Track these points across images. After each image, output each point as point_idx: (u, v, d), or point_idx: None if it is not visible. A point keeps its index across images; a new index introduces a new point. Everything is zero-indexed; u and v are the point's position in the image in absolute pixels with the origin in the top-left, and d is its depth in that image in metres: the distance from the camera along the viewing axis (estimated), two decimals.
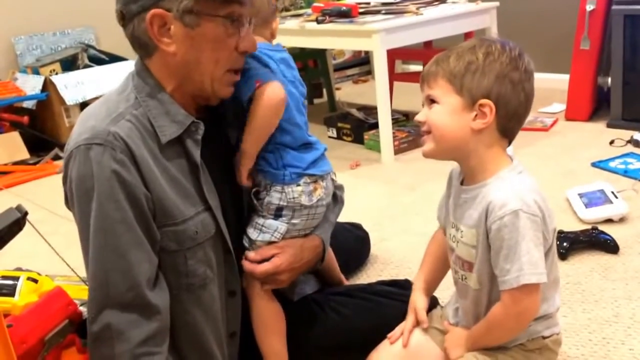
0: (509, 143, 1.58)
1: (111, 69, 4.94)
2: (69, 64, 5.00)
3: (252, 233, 1.84)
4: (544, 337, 1.62)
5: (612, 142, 3.84)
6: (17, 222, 1.38)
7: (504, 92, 1.50)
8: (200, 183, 1.67)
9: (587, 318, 2.14)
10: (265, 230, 1.83)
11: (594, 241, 2.57)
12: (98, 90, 4.75)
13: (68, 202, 1.64)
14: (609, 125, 4.15)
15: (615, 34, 4.04)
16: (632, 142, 3.79)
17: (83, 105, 4.80)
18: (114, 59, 5.08)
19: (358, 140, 4.45)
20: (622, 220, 2.79)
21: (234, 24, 1.61)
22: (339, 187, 2.13)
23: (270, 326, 1.88)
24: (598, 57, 4.25)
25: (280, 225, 1.83)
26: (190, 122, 1.65)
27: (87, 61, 4.99)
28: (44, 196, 3.90)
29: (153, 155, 1.60)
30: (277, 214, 1.83)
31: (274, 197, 1.81)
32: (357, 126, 4.53)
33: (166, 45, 1.58)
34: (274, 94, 1.74)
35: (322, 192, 1.86)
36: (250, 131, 1.76)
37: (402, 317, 1.82)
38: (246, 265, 1.82)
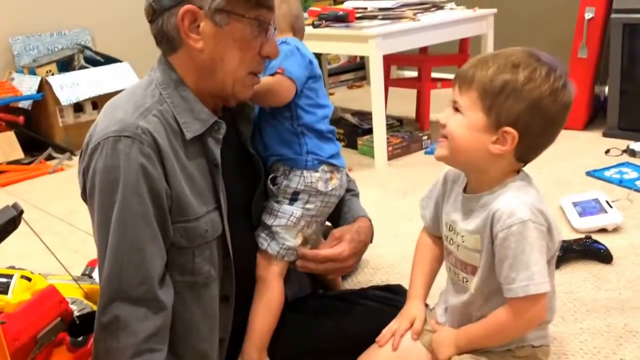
0: (524, 165, 1.57)
1: (106, 71, 4.94)
2: (65, 64, 4.99)
3: (268, 219, 1.89)
4: (533, 346, 1.62)
5: (607, 152, 3.86)
6: (12, 220, 1.38)
7: (533, 124, 1.44)
8: (215, 182, 1.69)
9: (579, 327, 2.14)
10: (280, 215, 1.88)
11: (587, 250, 2.57)
12: (93, 92, 4.75)
13: (85, 194, 1.63)
14: (605, 135, 4.16)
15: (614, 42, 4.05)
16: (628, 151, 3.80)
17: (77, 106, 4.82)
18: (109, 60, 5.08)
19: (351, 145, 4.45)
20: (616, 230, 2.79)
21: (261, 27, 1.63)
22: (353, 182, 2.23)
23: (273, 311, 1.91)
24: (595, 66, 4.26)
25: (295, 210, 1.89)
26: (214, 121, 1.66)
27: (83, 62, 4.99)
28: (37, 196, 3.90)
29: (175, 151, 1.61)
30: (293, 198, 1.90)
31: (293, 180, 1.89)
32: (351, 131, 4.53)
33: (194, 42, 1.60)
34: (283, 88, 1.84)
35: (337, 183, 1.94)
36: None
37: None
38: (308, 255, 1.91)
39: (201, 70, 1.65)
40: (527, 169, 1.58)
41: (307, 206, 1.90)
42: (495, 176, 1.53)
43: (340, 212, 2.10)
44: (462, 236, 1.58)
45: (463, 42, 4.73)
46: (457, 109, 1.50)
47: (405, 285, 1.97)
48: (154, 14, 1.62)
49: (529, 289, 1.44)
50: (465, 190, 1.61)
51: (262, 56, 1.68)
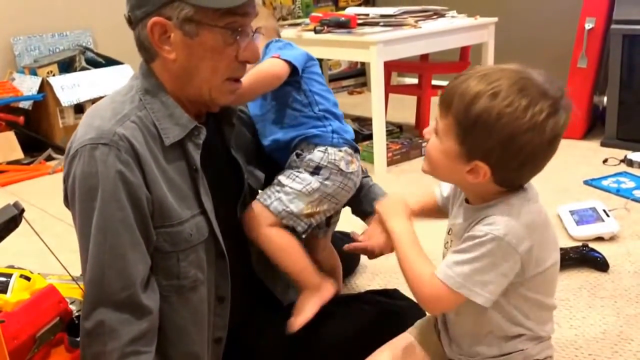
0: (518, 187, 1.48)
1: (107, 73, 4.96)
2: (66, 66, 5.01)
3: (285, 180, 1.93)
4: None
5: (605, 161, 3.87)
6: (13, 219, 1.40)
7: (507, 159, 1.36)
8: (197, 186, 1.69)
9: (574, 334, 2.15)
10: (298, 180, 1.92)
11: (584, 258, 2.58)
12: (93, 93, 4.77)
13: (67, 200, 1.64)
14: (603, 144, 4.18)
15: (613, 53, 4.07)
16: (626, 161, 3.81)
17: (77, 107, 4.83)
18: (110, 62, 5.09)
19: None
20: (612, 238, 2.80)
21: (234, 34, 1.61)
22: (367, 174, 2.26)
23: (287, 248, 1.93)
24: (595, 76, 4.27)
25: (314, 181, 1.91)
26: (194, 126, 1.67)
27: (84, 64, 4.99)
28: (36, 196, 3.90)
29: (155, 156, 1.61)
30: (315, 172, 1.93)
31: (317, 155, 1.92)
32: None
33: (167, 53, 1.60)
34: (276, 66, 1.88)
35: (356, 168, 1.99)
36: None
37: (393, 326, 1.83)
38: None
39: (178, 78, 1.65)
40: None
41: (326, 182, 1.92)
42: (482, 194, 1.47)
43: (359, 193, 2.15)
44: (453, 241, 1.57)
45: (464, 50, 4.74)
46: (436, 131, 1.45)
47: (403, 291, 1.98)
48: (131, 24, 1.64)
49: (448, 280, 1.42)
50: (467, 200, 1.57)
51: (240, 61, 1.66)
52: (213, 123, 1.79)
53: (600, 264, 2.56)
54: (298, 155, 1.95)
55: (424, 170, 1.52)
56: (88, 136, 1.56)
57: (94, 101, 4.77)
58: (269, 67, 1.90)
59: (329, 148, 1.93)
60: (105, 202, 1.53)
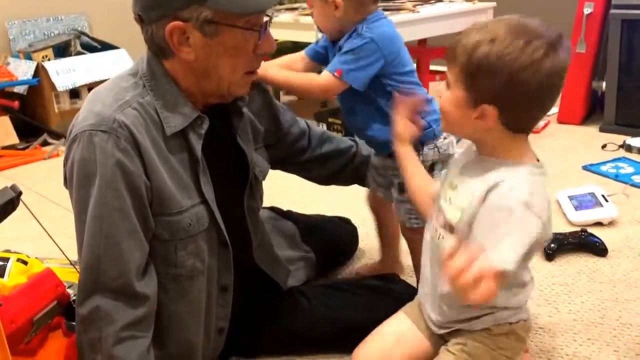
0: (528, 133, 1.54)
1: (103, 57, 4.90)
2: (62, 50, 4.96)
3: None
4: (510, 323, 1.63)
5: (604, 146, 3.86)
6: (11, 202, 1.38)
7: (513, 99, 1.41)
8: (198, 176, 1.68)
9: (573, 319, 2.15)
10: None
11: (583, 243, 2.57)
12: (89, 78, 4.72)
13: (67, 183, 1.64)
14: (602, 130, 4.16)
15: (612, 38, 4.05)
16: (625, 146, 3.81)
17: (73, 92, 4.79)
18: (106, 47, 5.05)
19: (348, 135, 4.40)
20: (611, 223, 2.80)
21: (254, 31, 1.61)
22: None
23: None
24: (593, 61, 4.26)
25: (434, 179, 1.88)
26: (196, 116, 1.65)
27: (79, 48, 4.95)
28: (32, 181, 3.88)
29: (156, 144, 1.60)
30: (431, 169, 1.95)
31: (429, 154, 1.97)
32: None
33: (186, 54, 1.59)
34: (329, 85, 1.94)
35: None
36: (290, 76, 2.01)
37: (390, 310, 1.83)
38: None
39: (195, 75, 1.64)
40: None
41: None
42: (494, 145, 1.51)
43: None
44: (458, 191, 1.56)
45: None
46: (447, 84, 1.50)
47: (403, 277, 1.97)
48: (142, 23, 1.62)
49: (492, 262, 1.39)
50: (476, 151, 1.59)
51: (258, 55, 1.67)
52: (220, 112, 1.77)
53: (599, 249, 2.55)
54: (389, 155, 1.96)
55: (443, 130, 1.67)
56: (88, 122, 1.55)
57: (90, 86, 4.74)
58: (320, 84, 1.96)
59: (436, 142, 1.96)
60: (102, 190, 1.53)
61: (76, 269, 1.79)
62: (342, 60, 1.93)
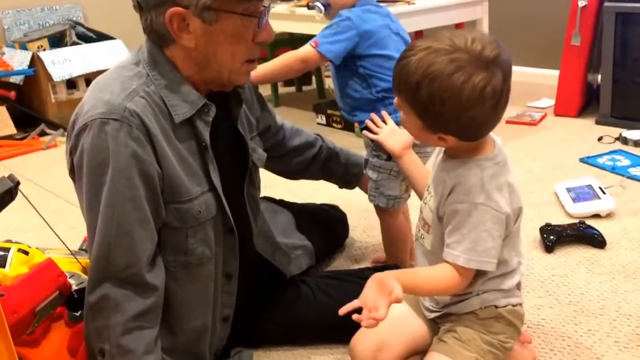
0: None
1: (99, 47, 4.90)
2: (57, 40, 4.96)
3: (372, 174, 2.22)
4: (496, 307, 1.65)
5: (600, 139, 3.85)
6: (9, 192, 1.37)
7: (463, 128, 1.46)
8: (206, 163, 1.68)
9: (573, 310, 2.15)
10: (382, 170, 2.20)
11: (582, 235, 2.58)
12: (86, 68, 4.73)
13: (73, 173, 1.63)
14: (598, 122, 4.16)
15: (607, 31, 4.04)
16: (621, 139, 3.79)
17: (69, 82, 4.79)
18: (101, 37, 5.04)
19: (348, 128, 4.42)
20: (609, 215, 2.80)
21: (252, 18, 1.61)
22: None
23: (407, 230, 2.35)
24: (589, 54, 4.25)
25: (395, 165, 2.11)
26: (203, 103, 1.65)
27: (75, 38, 4.94)
28: (31, 171, 3.88)
29: (165, 133, 1.60)
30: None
31: None
32: None
33: (186, 41, 1.59)
34: (300, 55, 2.17)
35: None
36: (269, 63, 2.21)
37: None
38: None
39: (196, 63, 1.65)
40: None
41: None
42: (456, 149, 1.56)
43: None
44: (431, 195, 1.63)
45: (458, 27, 4.70)
46: (400, 106, 1.53)
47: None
48: (141, 10, 1.62)
49: (457, 259, 1.52)
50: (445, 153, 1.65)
51: (256, 43, 1.67)
52: (220, 99, 1.77)
53: (597, 241, 2.55)
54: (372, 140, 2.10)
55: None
56: (98, 110, 1.54)
57: (86, 77, 4.74)
58: (298, 56, 2.17)
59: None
60: (115, 179, 1.52)
61: (76, 258, 1.79)
62: (320, 34, 2.15)
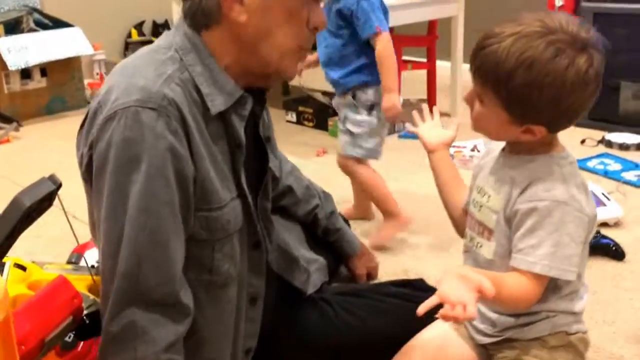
0: None
1: (57, 35, 4.66)
2: (12, 27, 4.72)
3: (353, 127, 2.62)
4: (567, 333, 1.49)
5: (583, 142, 3.84)
6: (49, 196, 1.15)
7: (558, 116, 1.38)
8: (237, 165, 1.49)
9: (613, 332, 2.03)
10: (363, 125, 2.60)
11: (597, 246, 2.46)
12: (42, 57, 4.50)
13: (89, 172, 1.40)
14: (578, 124, 4.07)
15: None
16: (605, 142, 3.79)
17: (24, 71, 4.55)
18: (59, 24, 4.81)
19: (321, 126, 4.30)
20: (617, 224, 2.71)
21: None
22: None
23: (377, 179, 2.70)
24: None
25: (373, 119, 2.60)
26: (240, 94, 1.47)
27: (32, 25, 4.72)
28: None
29: (199, 127, 1.40)
30: (370, 108, 2.60)
31: (370, 94, 2.59)
32: (321, 111, 4.36)
33: (237, 14, 1.40)
34: (390, 43, 2.53)
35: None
36: (387, 72, 2.52)
37: (417, 319, 1.68)
38: None
39: (243, 46, 1.46)
40: None
41: (381, 115, 2.59)
42: (532, 144, 1.44)
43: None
44: (489, 196, 1.48)
45: (431, 24, 4.61)
46: (479, 98, 1.42)
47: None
48: None
49: (534, 266, 1.36)
50: (504, 150, 1.53)
51: (310, 29, 1.50)
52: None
53: (615, 252, 2.45)
54: (354, 97, 2.58)
55: (475, 130, 1.50)
56: (133, 97, 1.32)
57: (42, 66, 4.51)
58: (388, 48, 2.53)
59: (378, 87, 2.55)
60: (151, 178, 1.31)
61: (91, 274, 1.57)
62: (375, 18, 2.54)
